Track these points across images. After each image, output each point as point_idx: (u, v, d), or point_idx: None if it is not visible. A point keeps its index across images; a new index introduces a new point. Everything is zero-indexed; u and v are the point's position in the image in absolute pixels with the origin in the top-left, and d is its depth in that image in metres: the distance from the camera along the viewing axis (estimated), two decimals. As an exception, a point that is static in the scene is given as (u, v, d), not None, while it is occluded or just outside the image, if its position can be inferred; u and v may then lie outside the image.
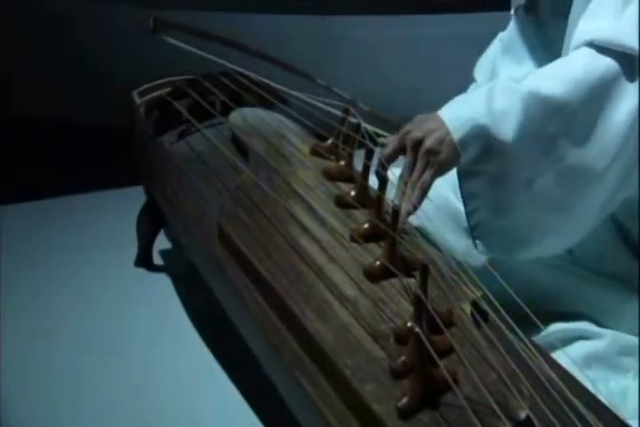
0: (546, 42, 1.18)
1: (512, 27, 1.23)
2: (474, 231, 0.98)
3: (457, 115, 0.94)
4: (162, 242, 1.67)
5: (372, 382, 0.69)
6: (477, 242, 0.98)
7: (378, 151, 0.98)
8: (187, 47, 1.41)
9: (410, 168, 0.94)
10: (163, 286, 1.55)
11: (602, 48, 0.95)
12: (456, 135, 0.92)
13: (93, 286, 1.55)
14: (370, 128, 1.05)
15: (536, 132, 0.93)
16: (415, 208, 0.91)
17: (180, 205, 1.23)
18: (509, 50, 1.22)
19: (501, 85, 0.97)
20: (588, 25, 1.00)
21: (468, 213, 0.97)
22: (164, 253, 1.67)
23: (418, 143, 0.93)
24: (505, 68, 1.22)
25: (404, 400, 0.65)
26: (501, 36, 1.25)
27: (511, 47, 1.21)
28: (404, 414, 0.64)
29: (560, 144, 0.94)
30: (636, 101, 0.94)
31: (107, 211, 1.92)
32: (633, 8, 0.96)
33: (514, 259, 1.02)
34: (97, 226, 1.84)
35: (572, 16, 1.04)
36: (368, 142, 0.99)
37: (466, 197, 0.96)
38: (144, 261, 1.62)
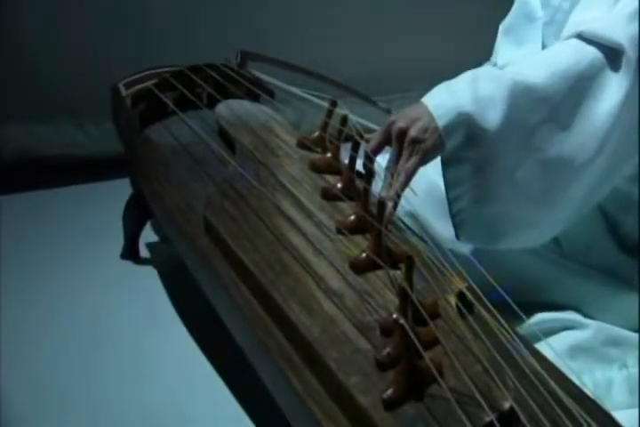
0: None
1: (514, 10, 1.22)
2: (455, 219, 0.97)
3: (441, 102, 0.93)
4: (148, 235, 1.66)
5: (358, 374, 0.69)
6: (458, 230, 0.98)
7: (364, 144, 0.98)
8: (274, 81, 1.38)
9: (396, 159, 0.93)
10: (149, 278, 1.55)
11: (589, 40, 0.95)
12: (440, 122, 0.91)
13: (79, 279, 1.54)
14: (357, 120, 1.05)
15: (520, 121, 0.93)
16: (398, 196, 0.91)
17: (166, 198, 1.22)
18: (509, 32, 1.21)
19: (486, 73, 0.96)
20: (579, 16, 1.00)
21: (450, 201, 0.97)
22: (150, 246, 1.67)
23: (403, 133, 0.92)
24: (504, 49, 1.21)
25: (389, 392, 0.65)
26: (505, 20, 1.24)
27: (511, 29, 1.21)
28: (390, 405, 0.64)
29: (544, 134, 0.94)
30: (620, 95, 0.94)
31: (93, 203, 1.90)
32: (625, 1, 0.96)
33: (494, 249, 1.02)
34: (83, 218, 1.83)
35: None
36: (354, 134, 0.99)
37: (449, 185, 0.96)
38: (130, 253, 1.62)
